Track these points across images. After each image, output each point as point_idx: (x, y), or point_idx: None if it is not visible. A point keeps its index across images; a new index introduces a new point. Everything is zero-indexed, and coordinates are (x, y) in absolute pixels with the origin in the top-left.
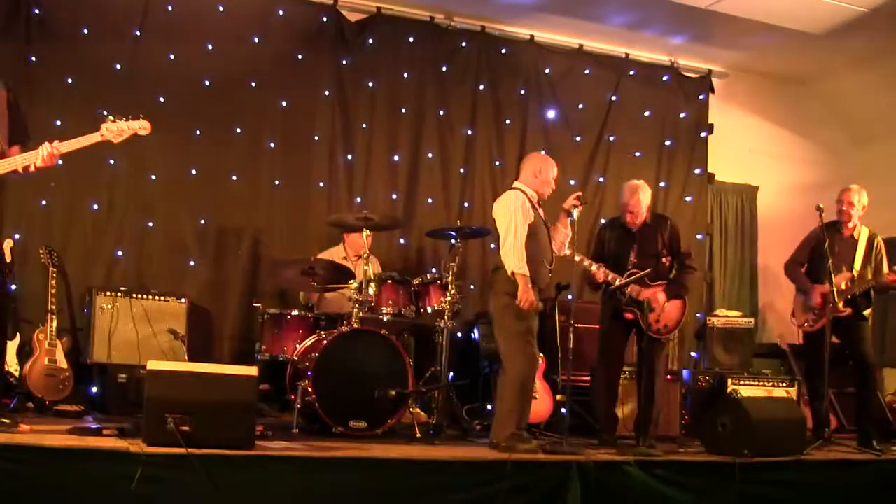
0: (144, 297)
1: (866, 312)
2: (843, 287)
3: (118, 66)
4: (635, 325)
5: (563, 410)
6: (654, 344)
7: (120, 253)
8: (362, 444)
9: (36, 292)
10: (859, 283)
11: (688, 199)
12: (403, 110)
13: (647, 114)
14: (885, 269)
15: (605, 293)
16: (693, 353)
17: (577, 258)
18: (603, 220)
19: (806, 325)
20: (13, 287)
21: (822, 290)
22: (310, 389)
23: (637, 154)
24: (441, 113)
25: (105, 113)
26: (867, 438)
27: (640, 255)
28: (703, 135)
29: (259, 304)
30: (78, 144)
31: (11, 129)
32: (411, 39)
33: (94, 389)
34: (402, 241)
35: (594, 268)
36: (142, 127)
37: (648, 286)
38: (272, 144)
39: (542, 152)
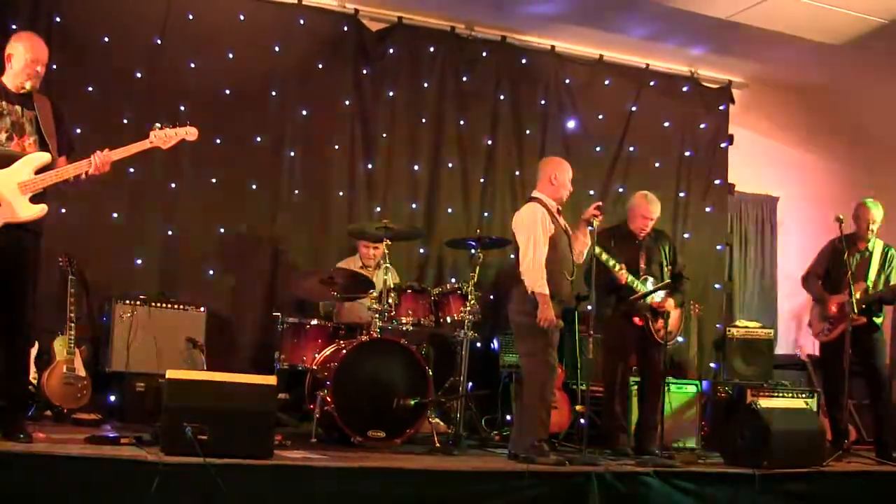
0: (164, 305)
1: (878, 320)
2: (857, 297)
3: (139, 74)
4: (640, 332)
5: (581, 421)
6: (659, 351)
7: (139, 261)
8: (381, 453)
9: (55, 300)
10: (874, 292)
11: (708, 209)
12: (423, 120)
13: (667, 124)
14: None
15: (615, 296)
16: (712, 364)
17: (606, 257)
18: (607, 227)
19: (822, 334)
20: None
21: (837, 299)
22: (328, 399)
23: (657, 165)
24: (461, 123)
25: (158, 125)
26: (885, 450)
27: (647, 263)
28: (723, 145)
29: (278, 313)
30: (129, 151)
31: (58, 140)
32: (432, 49)
33: (113, 398)
34: (421, 250)
35: (618, 269)
36: (189, 133)
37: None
38: (292, 153)
39: (562, 160)
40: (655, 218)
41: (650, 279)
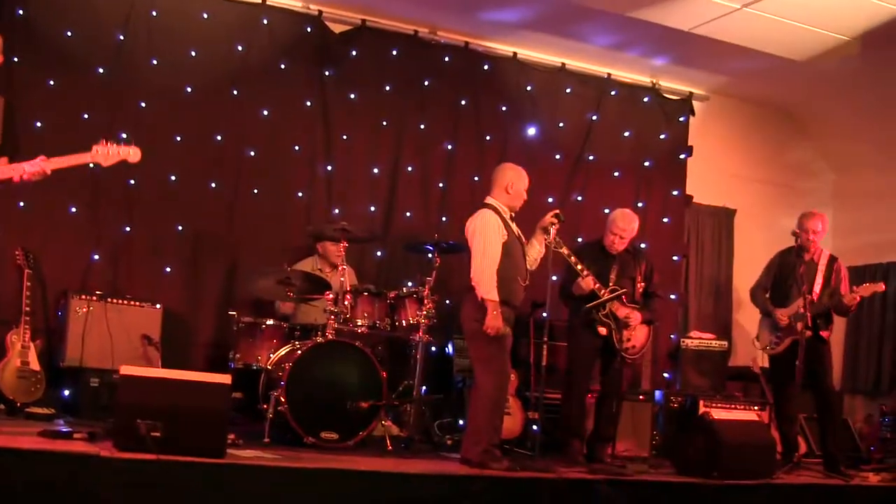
0: (120, 301)
1: (824, 334)
2: (801, 310)
3: (101, 70)
4: (603, 345)
5: (534, 427)
6: (622, 364)
7: (96, 257)
8: (333, 455)
9: (10, 293)
10: (818, 304)
11: (665, 220)
12: (384, 123)
13: (626, 134)
14: (843, 290)
15: (577, 307)
16: (666, 374)
17: (573, 259)
18: (580, 240)
19: (769, 347)
20: None
21: (786, 312)
22: (282, 399)
23: (616, 174)
24: (422, 127)
25: (104, 140)
26: (833, 464)
27: (619, 277)
28: (682, 157)
29: (234, 313)
30: (68, 163)
31: (3, 137)
32: (395, 53)
33: (67, 393)
34: (378, 253)
35: (585, 273)
36: (132, 154)
37: (625, 305)
38: (252, 153)
39: (520, 167)
40: (627, 236)
41: (619, 290)
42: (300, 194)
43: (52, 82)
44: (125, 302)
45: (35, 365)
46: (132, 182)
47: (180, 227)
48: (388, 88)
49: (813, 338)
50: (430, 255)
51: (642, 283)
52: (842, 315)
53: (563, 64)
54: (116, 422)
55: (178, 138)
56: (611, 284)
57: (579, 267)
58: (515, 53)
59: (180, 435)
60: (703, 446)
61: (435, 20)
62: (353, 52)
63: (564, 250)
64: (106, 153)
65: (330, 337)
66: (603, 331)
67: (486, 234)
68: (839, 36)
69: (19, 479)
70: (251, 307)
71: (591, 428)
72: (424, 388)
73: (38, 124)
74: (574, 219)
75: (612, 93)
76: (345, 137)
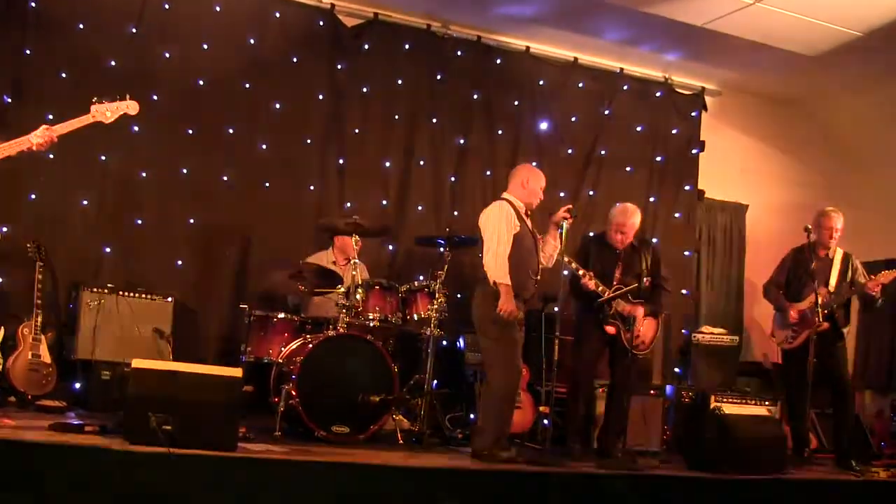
0: (131, 294)
1: (845, 330)
2: (813, 305)
3: (113, 63)
4: (611, 340)
5: (545, 421)
6: (632, 360)
7: (108, 249)
8: (344, 449)
9: (22, 286)
10: (837, 296)
11: (677, 215)
12: (396, 117)
13: (639, 129)
14: (863, 279)
15: (585, 304)
16: (677, 369)
17: (573, 265)
18: (591, 234)
19: (785, 342)
20: None
21: (799, 307)
22: (294, 393)
23: (628, 169)
24: (434, 121)
25: (95, 98)
26: (845, 459)
27: (624, 273)
28: (694, 152)
29: (246, 306)
30: (71, 126)
31: None
32: (407, 46)
33: (78, 386)
34: (390, 247)
35: (585, 276)
36: (130, 107)
37: (630, 302)
38: (264, 146)
39: (534, 164)
40: (628, 230)
41: (622, 289)
42: (312, 187)
43: (63, 75)
44: (137, 295)
45: (46, 358)
46: (144, 175)
47: (192, 220)
48: (399, 82)
49: (830, 331)
50: (441, 249)
51: (648, 278)
52: (870, 305)
53: (576, 58)
54: (128, 415)
55: (191, 131)
56: (615, 283)
57: (581, 272)
58: (528, 48)
59: (191, 428)
60: (714, 441)
61: (447, 14)
62: (366, 46)
63: (565, 258)
64: (104, 112)
65: (341, 331)
66: (611, 330)
67: (499, 221)
68: (852, 32)
69: (30, 472)
70: (263, 300)
71: (602, 422)
72: (435, 382)
73: (50, 116)
74: (586, 213)
75: (625, 87)
76: (357, 131)
